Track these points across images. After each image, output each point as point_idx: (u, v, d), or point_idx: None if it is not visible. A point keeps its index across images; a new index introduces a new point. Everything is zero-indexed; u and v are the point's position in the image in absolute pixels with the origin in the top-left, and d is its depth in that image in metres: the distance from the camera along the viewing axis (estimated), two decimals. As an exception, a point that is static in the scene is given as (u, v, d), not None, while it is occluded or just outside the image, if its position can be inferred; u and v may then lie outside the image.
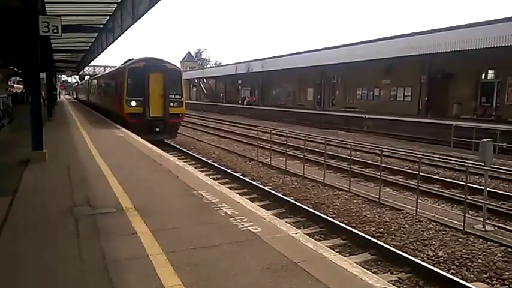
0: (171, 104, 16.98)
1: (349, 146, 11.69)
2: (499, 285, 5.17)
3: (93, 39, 22.00)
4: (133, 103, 16.66)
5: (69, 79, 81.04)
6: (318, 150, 15.13)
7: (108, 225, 4.61)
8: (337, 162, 13.40)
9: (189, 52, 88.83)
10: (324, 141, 12.77)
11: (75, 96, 69.83)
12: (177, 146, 17.33)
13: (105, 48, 22.47)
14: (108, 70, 37.65)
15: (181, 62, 79.56)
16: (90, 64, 45.89)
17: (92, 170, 7.84)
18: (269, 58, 42.86)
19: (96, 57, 28.93)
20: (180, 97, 17.40)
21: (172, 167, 8.32)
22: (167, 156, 9.88)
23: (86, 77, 53.87)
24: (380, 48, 27.11)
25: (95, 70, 62.10)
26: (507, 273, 5.40)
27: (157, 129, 16.70)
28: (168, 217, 4.94)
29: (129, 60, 20.26)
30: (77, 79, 74.69)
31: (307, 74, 38.65)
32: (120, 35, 16.69)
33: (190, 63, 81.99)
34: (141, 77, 16.59)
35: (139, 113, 16.56)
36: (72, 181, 6.91)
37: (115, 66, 28.45)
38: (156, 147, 11.33)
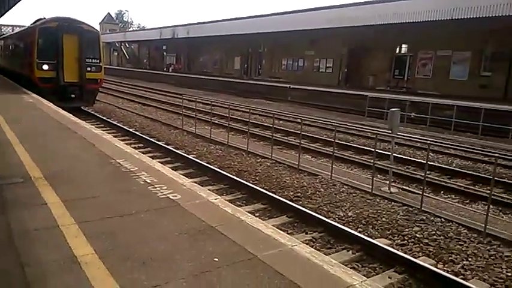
0: (88, 69, 15.93)
1: (272, 115, 11.98)
2: (399, 241, 5.74)
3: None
4: (45, 67, 15.40)
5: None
6: (243, 119, 15.30)
7: (15, 196, 4.31)
8: (260, 131, 13.68)
9: (108, 13, 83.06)
10: (248, 110, 12.92)
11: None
12: (95, 114, 16.45)
13: (12, 6, 20.25)
14: (17, 30, 34.03)
15: (100, 23, 74.29)
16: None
17: (-3, 138, 7.19)
18: (195, 24, 41.66)
19: (2, 15, 25.95)
20: (98, 61, 16.37)
21: (88, 134, 7.91)
22: (83, 124, 9.37)
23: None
24: (304, 19, 27.62)
25: (2, 30, 55.78)
26: (407, 230, 6.01)
27: (73, 96, 15.67)
28: (82, 186, 4.74)
29: (40, 19, 18.51)
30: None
31: (234, 42, 38.34)
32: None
33: (111, 26, 76.88)
34: (53, 38, 15.30)
35: (52, 78, 15.37)
36: (-28, 150, 6.30)
37: (25, 26, 25.86)
38: (71, 115, 10.66)
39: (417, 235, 5.81)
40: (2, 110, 10.32)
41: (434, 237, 5.75)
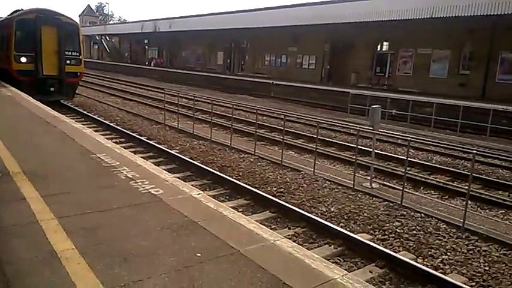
0: (68, 62, 15.62)
1: (255, 111, 11.98)
2: (380, 236, 5.82)
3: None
4: (24, 59, 15.04)
5: None
6: (226, 114, 15.25)
7: (-8, 191, 4.20)
8: (244, 127, 13.67)
9: (88, 5, 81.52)
10: (231, 106, 12.89)
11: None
12: (75, 108, 16.17)
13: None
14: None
15: (79, 16, 72.92)
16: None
17: (-28, 132, 6.98)
18: (178, 18, 41.21)
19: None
20: (77, 54, 16.06)
21: (68, 129, 7.76)
22: (63, 118, 9.19)
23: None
24: (287, 16, 27.63)
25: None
26: (387, 225, 6.10)
27: (52, 89, 15.34)
28: (62, 181, 4.64)
29: (18, 11, 18.07)
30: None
31: (217, 37, 38.09)
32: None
33: (91, 18, 75.51)
34: (31, 30, 14.94)
35: (30, 71, 15.02)
36: None
37: (1, 18, 25.20)
38: (50, 108, 10.44)
39: (398, 230, 5.90)
40: (-22, 103, 10.05)
41: (414, 232, 5.86)
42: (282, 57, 34.36)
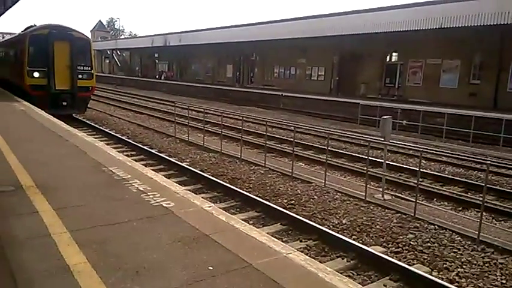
0: (80, 76, 15.87)
1: (265, 123, 12.00)
2: (394, 248, 5.73)
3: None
4: (36, 74, 15.32)
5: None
6: (236, 126, 15.28)
7: (6, 204, 4.23)
8: (254, 139, 13.67)
9: (100, 21, 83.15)
10: (241, 118, 12.92)
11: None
12: (87, 122, 16.36)
13: (1, 13, 20.14)
14: (7, 38, 33.88)
15: (91, 31, 74.38)
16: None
17: (-14, 146, 7.08)
18: (187, 32, 41.75)
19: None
20: (89, 69, 16.31)
21: (80, 142, 7.83)
22: (75, 132, 9.28)
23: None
24: (296, 28, 27.79)
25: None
26: (401, 237, 6.01)
27: (64, 103, 15.57)
28: (74, 194, 4.67)
29: (31, 26, 18.47)
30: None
31: (226, 50, 38.43)
32: (19, -1, 15.08)
33: (102, 33, 76.94)
34: (44, 45, 15.24)
35: (43, 85, 15.28)
36: (-39, 158, 6.19)
37: (15, 34, 25.80)
38: (62, 122, 10.57)
39: (411, 242, 5.81)
40: (-8, 118, 10.21)
41: (429, 244, 5.76)
42: (291, 69, 34.46)
